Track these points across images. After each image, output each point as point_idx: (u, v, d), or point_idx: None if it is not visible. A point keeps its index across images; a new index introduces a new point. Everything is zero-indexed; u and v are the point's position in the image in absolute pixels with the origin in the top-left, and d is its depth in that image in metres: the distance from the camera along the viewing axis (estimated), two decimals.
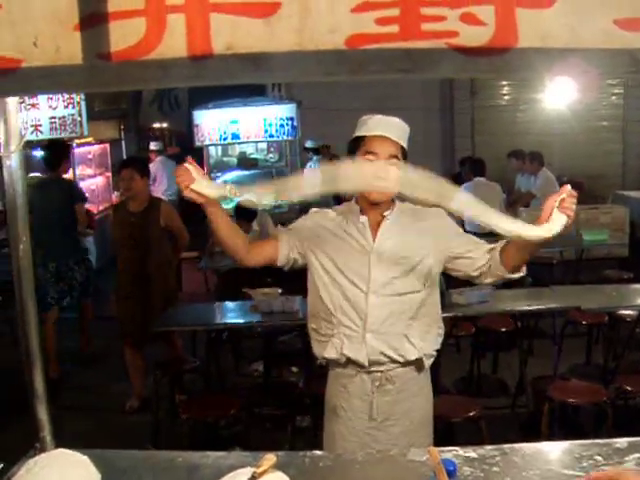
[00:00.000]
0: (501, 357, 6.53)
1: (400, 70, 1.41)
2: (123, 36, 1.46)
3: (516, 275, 2.97)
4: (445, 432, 4.18)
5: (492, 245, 2.96)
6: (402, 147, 2.92)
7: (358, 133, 2.97)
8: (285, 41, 1.43)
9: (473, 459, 2.43)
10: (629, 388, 4.63)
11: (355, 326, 2.93)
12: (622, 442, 2.49)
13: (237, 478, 2.15)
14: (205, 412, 4.57)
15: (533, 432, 4.70)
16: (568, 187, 2.53)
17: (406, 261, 2.94)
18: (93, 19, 1.45)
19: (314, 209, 3.18)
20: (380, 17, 1.41)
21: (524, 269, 2.94)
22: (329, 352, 3.00)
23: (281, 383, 6.46)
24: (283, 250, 3.03)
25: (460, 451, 2.49)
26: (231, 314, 5.80)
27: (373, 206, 2.98)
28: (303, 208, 11.53)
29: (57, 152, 7.38)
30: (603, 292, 5.83)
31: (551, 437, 4.36)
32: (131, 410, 6.15)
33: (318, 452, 2.66)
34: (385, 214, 2.99)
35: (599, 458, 2.38)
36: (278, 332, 6.71)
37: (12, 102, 2.35)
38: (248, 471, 2.15)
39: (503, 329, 5.91)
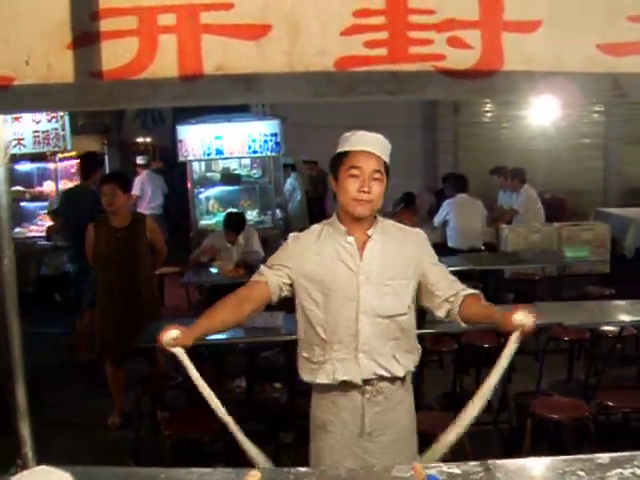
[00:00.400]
0: (484, 373, 6.48)
1: (388, 92, 1.42)
2: (115, 55, 1.47)
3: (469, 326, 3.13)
4: (427, 447, 4.18)
5: (455, 292, 3.04)
6: (385, 162, 2.96)
7: (341, 149, 2.99)
8: (275, 63, 1.44)
9: (457, 475, 2.44)
10: (610, 404, 4.66)
11: (347, 348, 2.95)
12: (604, 457, 2.51)
13: None
14: (187, 429, 4.54)
15: (516, 447, 4.71)
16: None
17: (392, 282, 2.98)
18: (86, 38, 1.46)
19: (293, 234, 3.16)
20: (369, 40, 1.43)
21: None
22: (321, 378, 3.01)
23: (264, 399, 6.43)
24: (274, 289, 3.03)
25: (444, 467, 2.50)
26: None
27: (357, 223, 2.99)
28: (286, 224, 11.57)
29: (89, 163, 7.93)
30: (585, 308, 5.87)
31: (534, 452, 4.37)
32: (113, 426, 6.10)
33: (302, 468, 2.65)
34: (369, 233, 3.01)
35: (582, 473, 2.39)
36: (261, 348, 6.69)
37: None
38: None
39: (486, 345, 5.92)
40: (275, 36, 1.45)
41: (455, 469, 2.48)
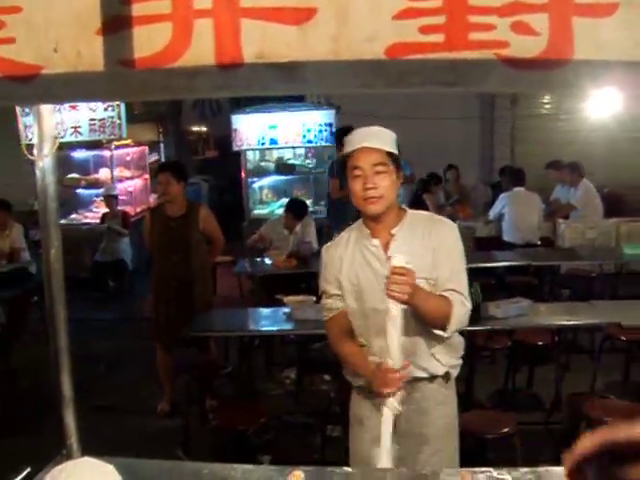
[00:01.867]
0: (537, 371, 6.41)
1: (444, 83, 1.30)
2: (148, 42, 1.38)
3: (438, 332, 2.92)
4: (478, 447, 4.10)
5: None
6: (389, 153, 2.87)
7: (344, 152, 2.96)
8: (320, 50, 1.34)
9: None
10: None
11: (383, 352, 2.83)
12: None
13: None
14: (235, 419, 4.52)
15: (567, 450, 4.58)
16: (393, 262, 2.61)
17: (420, 281, 2.82)
18: (116, 23, 1.37)
19: (325, 247, 3.16)
20: (424, 25, 1.31)
21: (445, 332, 2.88)
22: (356, 381, 3.05)
23: (313, 391, 6.40)
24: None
25: (494, 473, 2.46)
26: (265, 321, 5.76)
27: (380, 223, 2.94)
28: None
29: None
30: None
31: None
32: (162, 413, 6.15)
33: (347, 468, 2.65)
34: (393, 232, 2.95)
35: None
36: (311, 340, 6.66)
37: (46, 106, 2.32)
38: None
39: (540, 343, 5.79)
40: (321, 20, 1.33)
41: (505, 475, 2.43)
